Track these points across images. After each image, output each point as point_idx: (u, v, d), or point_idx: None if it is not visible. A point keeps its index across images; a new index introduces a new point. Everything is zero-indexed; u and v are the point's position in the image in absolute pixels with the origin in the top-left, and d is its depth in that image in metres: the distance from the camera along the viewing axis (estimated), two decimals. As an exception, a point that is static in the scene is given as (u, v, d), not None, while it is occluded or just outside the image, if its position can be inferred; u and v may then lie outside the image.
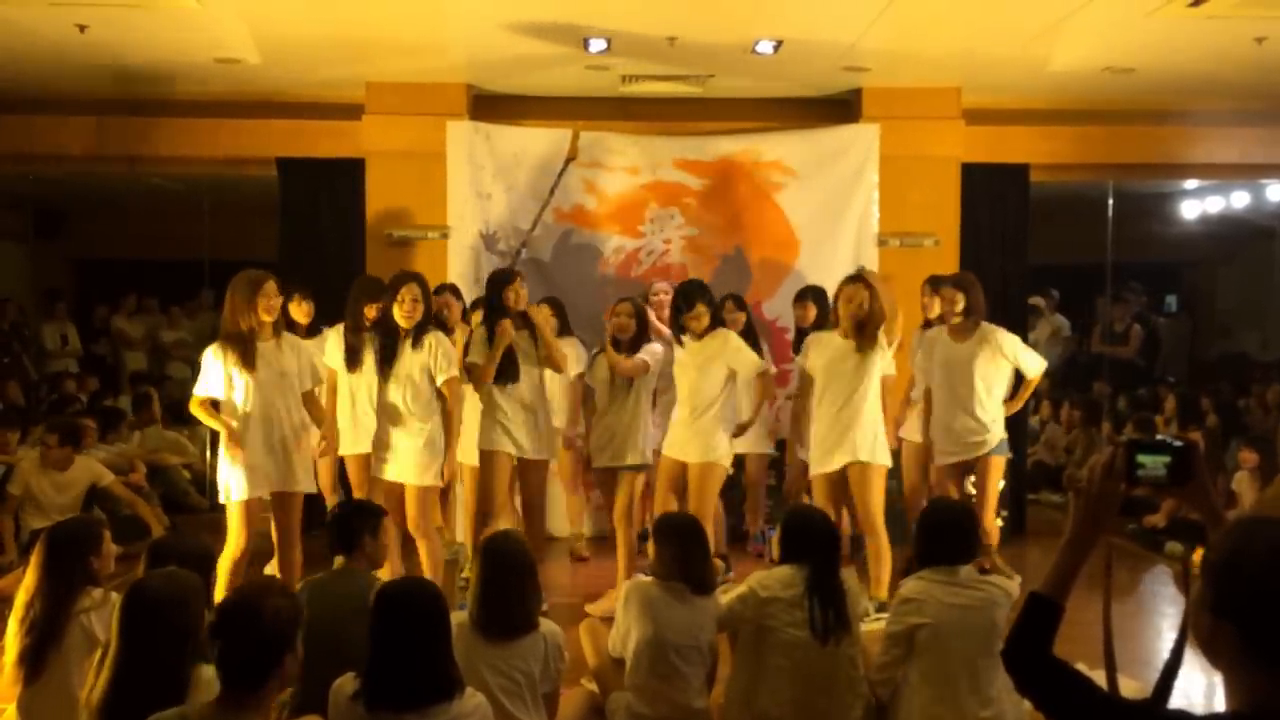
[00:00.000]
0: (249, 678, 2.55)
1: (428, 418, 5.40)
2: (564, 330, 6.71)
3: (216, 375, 5.04)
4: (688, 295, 5.84)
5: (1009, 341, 6.12)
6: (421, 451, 5.39)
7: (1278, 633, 1.61)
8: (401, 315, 5.40)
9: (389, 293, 5.50)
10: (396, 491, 5.44)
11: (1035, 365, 6.16)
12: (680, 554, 4.01)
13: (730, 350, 5.85)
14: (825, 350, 5.71)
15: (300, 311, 6.48)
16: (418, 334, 5.41)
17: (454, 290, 6.66)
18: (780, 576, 3.94)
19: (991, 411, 6.06)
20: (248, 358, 5.00)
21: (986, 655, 3.63)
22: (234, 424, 5.03)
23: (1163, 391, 9.43)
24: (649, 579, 4.09)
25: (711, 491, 5.87)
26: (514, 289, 5.74)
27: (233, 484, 5.05)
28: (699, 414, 5.80)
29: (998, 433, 6.07)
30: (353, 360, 5.86)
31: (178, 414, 9.01)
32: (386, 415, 5.44)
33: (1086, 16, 6.02)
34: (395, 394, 5.40)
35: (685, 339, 5.88)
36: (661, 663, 3.88)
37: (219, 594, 4.46)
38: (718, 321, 5.94)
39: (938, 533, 3.90)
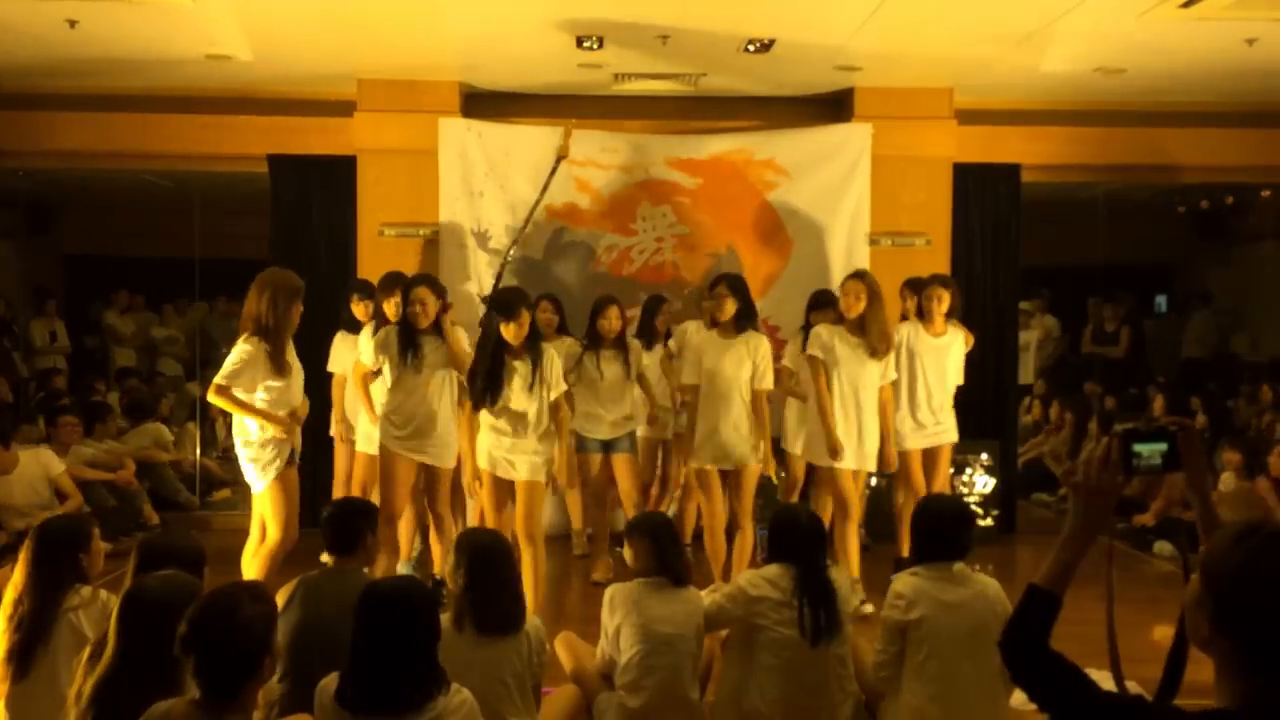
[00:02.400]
0: (227, 687, 2.54)
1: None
2: (561, 329, 6.72)
3: (249, 374, 5.00)
4: (713, 282, 5.95)
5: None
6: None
7: (1276, 649, 1.62)
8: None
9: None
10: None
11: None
12: (656, 549, 4.05)
13: (761, 354, 5.76)
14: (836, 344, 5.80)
15: (361, 310, 6.53)
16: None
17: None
18: (769, 575, 3.96)
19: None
20: (281, 363, 5.03)
21: (977, 654, 3.64)
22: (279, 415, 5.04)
23: (1151, 392, 9.46)
24: (628, 582, 4.10)
25: (754, 491, 5.92)
26: (512, 326, 5.32)
27: (275, 465, 5.06)
28: (744, 418, 5.74)
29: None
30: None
31: (128, 408, 8.98)
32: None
33: (1078, 17, 6.03)
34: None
35: (715, 333, 5.80)
36: (653, 654, 3.90)
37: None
38: (748, 319, 5.82)
39: (933, 529, 3.90)
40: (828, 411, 5.73)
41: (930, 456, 6.35)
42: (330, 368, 6.65)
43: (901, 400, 6.22)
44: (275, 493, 5.08)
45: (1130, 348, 10.46)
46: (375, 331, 5.86)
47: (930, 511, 4.01)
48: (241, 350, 5.00)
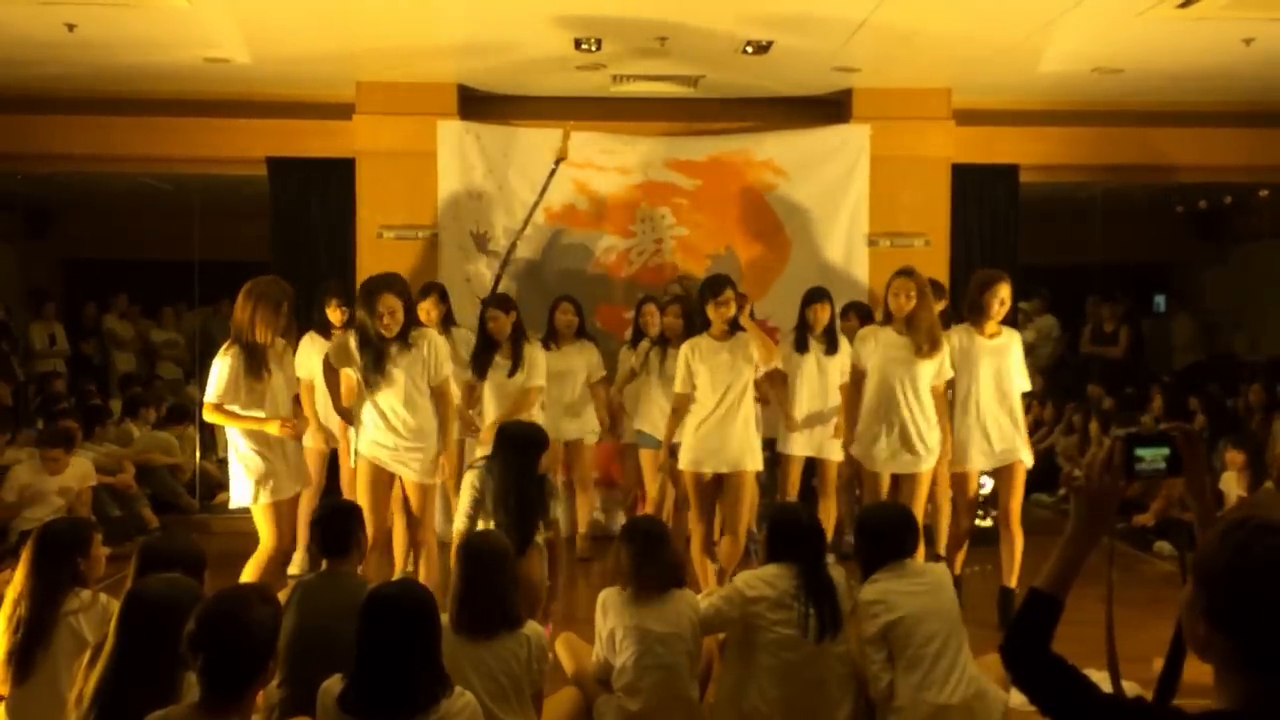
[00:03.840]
0: (232, 687, 2.53)
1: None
2: (581, 332, 6.69)
3: (232, 383, 5.00)
4: (715, 285, 5.60)
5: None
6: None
7: (1273, 644, 1.62)
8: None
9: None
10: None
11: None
12: (644, 552, 4.04)
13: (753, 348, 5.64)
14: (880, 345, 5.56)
15: (337, 314, 6.43)
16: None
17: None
18: (766, 575, 3.96)
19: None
20: (257, 367, 5.01)
21: (954, 634, 3.78)
22: (268, 423, 5.01)
23: (1152, 391, 9.46)
24: (618, 588, 4.10)
25: (753, 499, 5.78)
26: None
27: (264, 486, 5.04)
28: (744, 422, 5.59)
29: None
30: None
31: (168, 415, 8.99)
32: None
33: (1076, 18, 6.04)
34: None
35: (708, 338, 5.61)
36: (649, 654, 3.90)
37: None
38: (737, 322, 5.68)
39: (881, 536, 3.98)
40: (865, 417, 5.57)
41: (1003, 477, 5.68)
42: (297, 372, 6.57)
43: (963, 414, 5.58)
44: (264, 512, 5.07)
45: (1129, 347, 10.46)
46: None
47: (872, 522, 4.11)
48: (221, 365, 5.02)
